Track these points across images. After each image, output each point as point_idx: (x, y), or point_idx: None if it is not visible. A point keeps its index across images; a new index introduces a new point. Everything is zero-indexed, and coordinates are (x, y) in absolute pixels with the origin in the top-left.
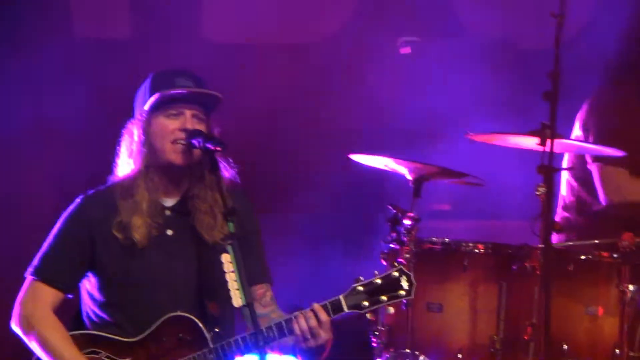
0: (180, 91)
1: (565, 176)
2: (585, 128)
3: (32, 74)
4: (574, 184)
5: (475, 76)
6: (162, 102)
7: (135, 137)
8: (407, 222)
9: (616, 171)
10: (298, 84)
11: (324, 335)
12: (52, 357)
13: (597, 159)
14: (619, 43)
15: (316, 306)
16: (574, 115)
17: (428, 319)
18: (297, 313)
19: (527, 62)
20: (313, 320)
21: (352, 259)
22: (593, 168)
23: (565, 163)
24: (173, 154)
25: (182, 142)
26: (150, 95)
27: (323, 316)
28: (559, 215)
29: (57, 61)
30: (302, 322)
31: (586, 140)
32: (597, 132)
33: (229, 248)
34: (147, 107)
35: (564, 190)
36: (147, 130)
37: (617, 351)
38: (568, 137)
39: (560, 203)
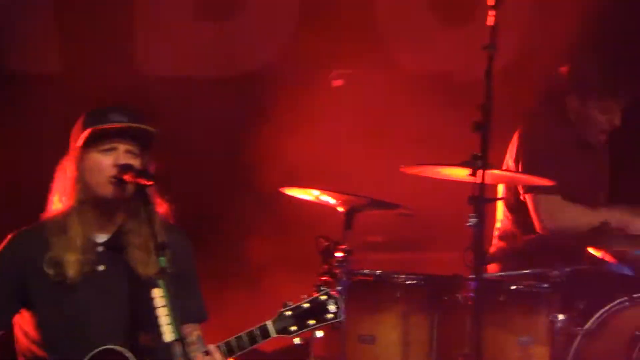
0: (110, 126)
1: (501, 206)
2: (515, 159)
3: None
4: (508, 214)
5: (408, 108)
6: (95, 138)
7: (69, 173)
8: (338, 254)
9: (549, 198)
10: (228, 116)
11: None
12: None
13: (530, 188)
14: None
15: (211, 347)
16: (505, 146)
17: (360, 351)
18: (194, 354)
19: (459, 94)
20: None
21: (286, 292)
22: (527, 198)
23: (500, 192)
24: (105, 189)
25: (114, 177)
26: (83, 131)
27: (218, 357)
28: (495, 245)
29: None
30: None
31: (516, 169)
32: (526, 162)
33: (160, 283)
34: (79, 143)
35: (499, 220)
36: (80, 166)
37: None
38: (499, 168)
39: (495, 233)
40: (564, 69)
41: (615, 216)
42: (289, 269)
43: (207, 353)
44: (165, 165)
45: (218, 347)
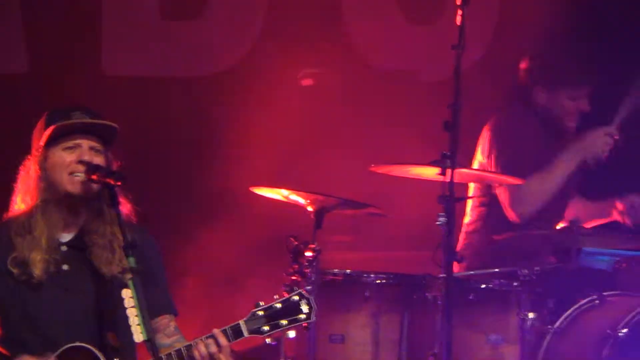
0: (75, 121)
1: (470, 201)
2: (488, 154)
3: None
4: (480, 209)
5: (376, 107)
6: (58, 135)
7: (32, 173)
8: (308, 253)
9: (518, 187)
10: (197, 116)
11: None
12: None
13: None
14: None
15: (216, 331)
16: (473, 145)
17: (330, 350)
18: (197, 339)
19: (427, 93)
20: (213, 346)
21: (256, 292)
22: (500, 191)
23: (471, 191)
24: (70, 185)
25: (81, 175)
26: (46, 130)
27: (223, 341)
28: (462, 241)
29: None
30: (201, 348)
31: (489, 165)
32: (499, 158)
33: (130, 283)
34: (42, 141)
35: (468, 216)
36: (43, 165)
37: None
38: (468, 166)
39: (463, 229)
40: (524, 64)
41: (564, 161)
42: (258, 268)
43: (212, 337)
44: (133, 165)
45: (223, 331)
